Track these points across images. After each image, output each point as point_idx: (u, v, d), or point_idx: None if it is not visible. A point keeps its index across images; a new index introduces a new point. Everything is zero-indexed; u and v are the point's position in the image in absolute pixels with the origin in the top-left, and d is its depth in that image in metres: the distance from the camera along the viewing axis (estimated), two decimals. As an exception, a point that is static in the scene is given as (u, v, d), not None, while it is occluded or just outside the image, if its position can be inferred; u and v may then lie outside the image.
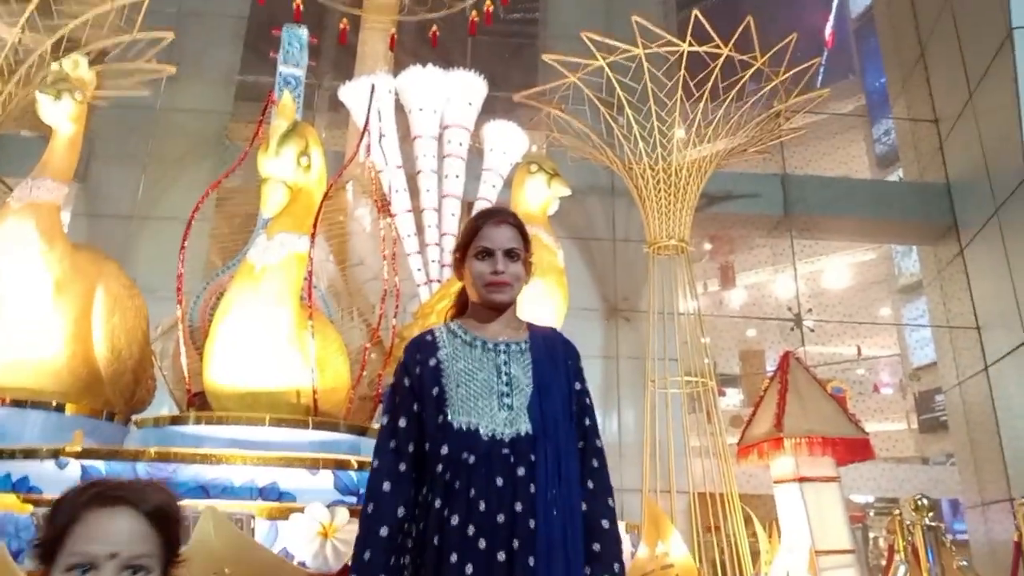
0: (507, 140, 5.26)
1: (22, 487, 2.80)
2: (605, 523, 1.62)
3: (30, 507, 2.46)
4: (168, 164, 7.90)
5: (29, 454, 2.92)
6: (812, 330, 10.90)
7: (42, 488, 2.80)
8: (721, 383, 11.06)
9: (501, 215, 1.79)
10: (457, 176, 5.13)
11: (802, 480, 5.78)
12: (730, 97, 6.90)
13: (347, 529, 2.67)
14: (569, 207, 6.40)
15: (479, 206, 5.20)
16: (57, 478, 2.84)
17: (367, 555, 1.54)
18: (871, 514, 13.01)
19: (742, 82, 6.86)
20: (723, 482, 6.29)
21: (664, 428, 6.50)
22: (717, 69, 6.69)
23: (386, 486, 1.59)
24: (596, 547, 1.59)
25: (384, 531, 1.55)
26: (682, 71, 6.73)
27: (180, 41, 6.04)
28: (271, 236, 3.53)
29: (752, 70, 6.82)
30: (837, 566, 5.45)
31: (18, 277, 3.61)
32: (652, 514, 2.68)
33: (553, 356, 1.73)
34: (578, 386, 1.73)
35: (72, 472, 2.86)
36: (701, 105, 6.84)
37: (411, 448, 1.63)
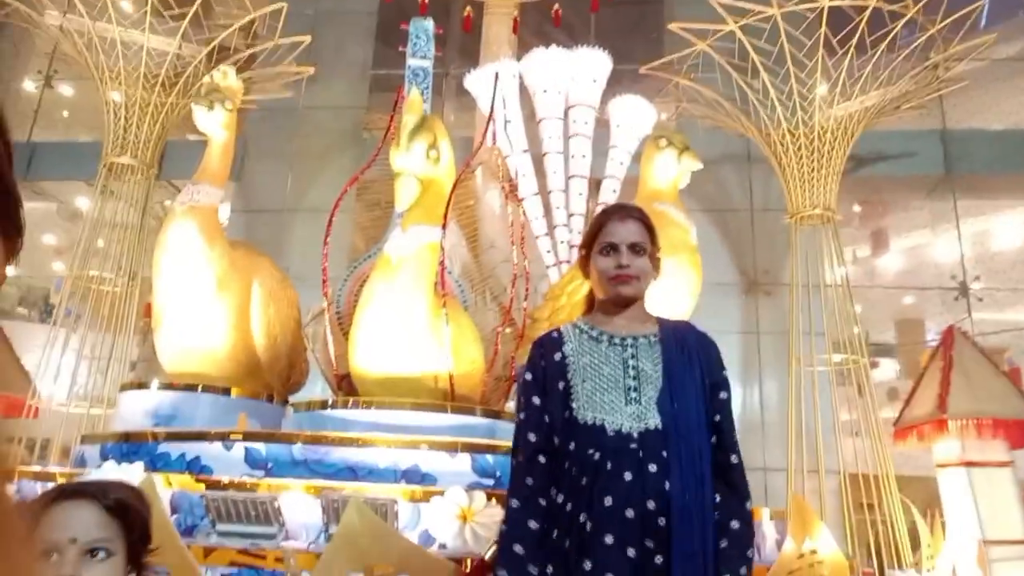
0: (634, 115, 5.14)
1: (195, 467, 3.10)
2: (735, 524, 1.56)
3: (202, 486, 2.72)
4: (312, 159, 8.38)
5: (200, 437, 3.22)
6: (980, 299, 9.94)
7: (213, 468, 3.09)
8: (874, 353, 10.36)
9: (626, 211, 1.76)
10: (584, 156, 5.07)
11: (969, 465, 5.33)
12: (879, 50, 6.35)
13: (485, 513, 2.76)
14: (703, 178, 6.17)
15: (607, 185, 5.13)
16: (225, 458, 3.13)
17: (517, 548, 1.55)
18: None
19: (892, 33, 6.29)
20: (877, 463, 5.90)
21: (810, 406, 6.18)
22: (863, 22, 6.17)
23: (529, 480, 1.62)
24: (723, 544, 1.54)
25: (533, 524, 1.57)
26: (823, 27, 6.26)
27: (316, 42, 6.35)
28: (405, 228, 3.66)
29: (904, 20, 6.24)
30: (1010, 557, 5.01)
31: (184, 275, 3.98)
32: (799, 508, 2.57)
33: (685, 349, 1.67)
34: (714, 380, 1.66)
35: (237, 453, 3.13)
36: (846, 61, 6.34)
37: (546, 442, 1.64)
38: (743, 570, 1.54)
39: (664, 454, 1.53)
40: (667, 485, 1.51)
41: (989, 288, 10.56)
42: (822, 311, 6.38)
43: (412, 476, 3.06)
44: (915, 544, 5.25)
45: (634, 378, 1.62)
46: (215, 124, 4.21)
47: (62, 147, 9.25)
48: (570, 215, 4.99)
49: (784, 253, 7.42)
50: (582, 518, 1.52)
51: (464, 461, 3.13)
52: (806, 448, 6.07)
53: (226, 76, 4.37)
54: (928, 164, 8.51)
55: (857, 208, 12.67)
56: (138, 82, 6.20)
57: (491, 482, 3.05)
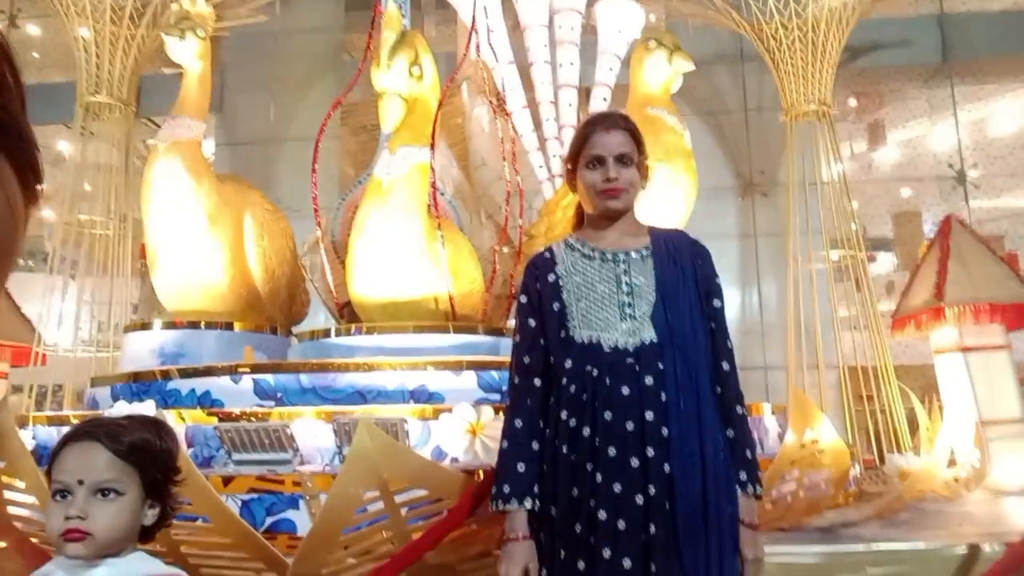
0: (621, 17, 4.97)
1: (206, 401, 3.15)
2: (731, 432, 1.61)
3: (214, 419, 2.77)
4: (293, 86, 8.15)
5: (209, 371, 3.26)
6: (977, 186, 9.88)
7: (223, 401, 3.14)
8: (872, 247, 10.37)
9: (610, 119, 1.71)
10: (571, 64, 4.93)
11: (966, 350, 5.42)
12: (873, -69, 6.08)
13: (493, 426, 2.82)
14: (694, 80, 6.02)
15: (597, 93, 5.01)
16: (234, 391, 3.18)
17: (520, 467, 1.60)
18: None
19: (887, -89, 6.01)
20: (876, 355, 6.01)
21: (809, 303, 6.23)
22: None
23: (528, 401, 1.65)
24: (730, 432, 1.60)
25: (535, 445, 1.62)
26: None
27: (287, -40, 6.07)
28: (393, 151, 3.59)
29: None
30: (1006, 436, 5.16)
31: (174, 213, 3.93)
32: (798, 401, 2.62)
33: (678, 260, 1.67)
34: (707, 288, 1.68)
35: (245, 385, 3.17)
36: (838, -54, 6.09)
37: (541, 364, 1.67)
38: (748, 452, 1.59)
39: (660, 366, 1.55)
40: (663, 396, 1.53)
41: (987, 175, 10.49)
42: (819, 209, 6.35)
43: (420, 396, 3.11)
44: (913, 430, 5.40)
45: (628, 293, 1.63)
46: (189, 54, 4.07)
47: (37, 90, 8.98)
48: (561, 127, 4.90)
49: (780, 153, 7.33)
50: (585, 432, 1.55)
51: (470, 379, 3.17)
52: (805, 345, 6.17)
53: (195, 2, 4.19)
54: (925, 51, 8.29)
55: (853, 102, 12.41)
56: (105, 15, 5.96)
57: (497, 397, 3.11)
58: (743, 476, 1.58)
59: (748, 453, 1.60)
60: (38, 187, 0.27)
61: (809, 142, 6.50)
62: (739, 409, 1.63)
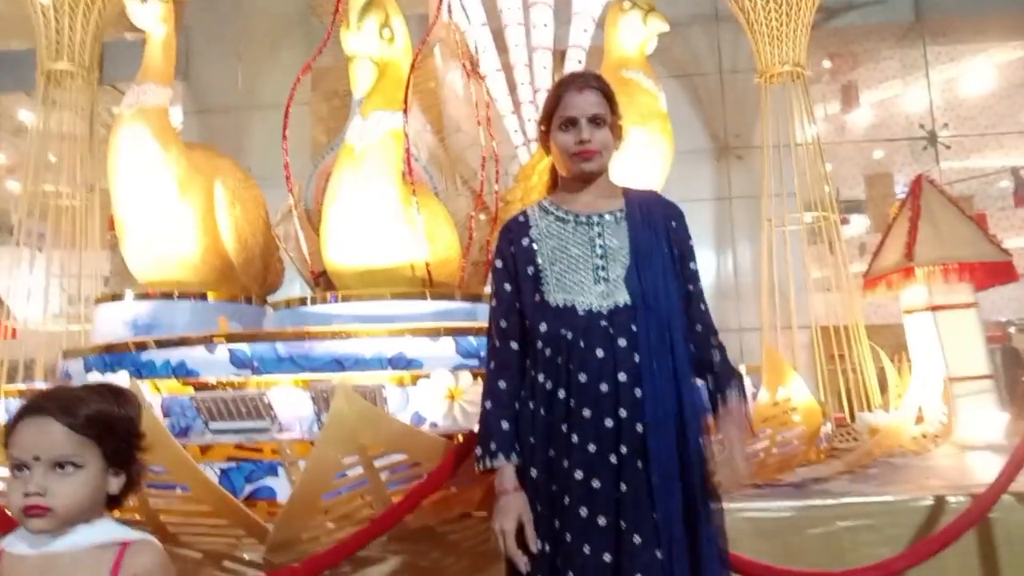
0: (595, -22, 4.90)
1: (181, 371, 3.13)
2: (716, 357, 1.65)
3: (190, 389, 2.75)
4: (261, 51, 7.95)
5: (183, 342, 3.23)
6: (948, 147, 9.98)
7: (199, 371, 3.12)
8: (844, 210, 10.47)
9: (583, 80, 1.70)
10: (545, 25, 4.87)
11: (935, 309, 5.53)
12: None
13: (472, 391, 2.83)
14: (670, 42, 5.98)
15: (571, 55, 4.96)
16: (209, 361, 3.15)
17: (504, 425, 1.62)
18: (1012, 332, 12.37)
19: None
20: (847, 314, 6.11)
21: (783, 265, 6.30)
22: None
23: (505, 364, 1.67)
24: (709, 379, 1.65)
25: (517, 405, 1.63)
26: None
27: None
28: (366, 116, 3.54)
29: None
30: (973, 392, 5.29)
31: (143, 182, 3.85)
32: (772, 360, 2.66)
33: (651, 222, 1.68)
34: (682, 251, 1.69)
35: (221, 355, 3.15)
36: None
37: (518, 328, 1.68)
38: (734, 382, 1.64)
39: (634, 328, 1.57)
40: (636, 358, 1.55)
41: (957, 136, 10.59)
42: (793, 171, 6.39)
43: (398, 363, 3.11)
44: (883, 388, 5.52)
45: (601, 256, 1.64)
46: (151, 17, 3.95)
47: (-4, 57, 8.70)
48: (535, 91, 4.85)
49: (755, 115, 7.33)
50: (561, 394, 1.57)
51: (448, 345, 3.18)
52: (779, 306, 6.25)
53: (156, -37, 4.05)
54: (898, 11, 8.30)
55: (827, 63, 12.43)
56: (63, -22, 5.77)
57: (475, 362, 3.12)
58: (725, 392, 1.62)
59: (733, 383, 1.63)
60: None
61: (783, 104, 6.51)
62: (716, 354, 1.66)
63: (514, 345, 1.68)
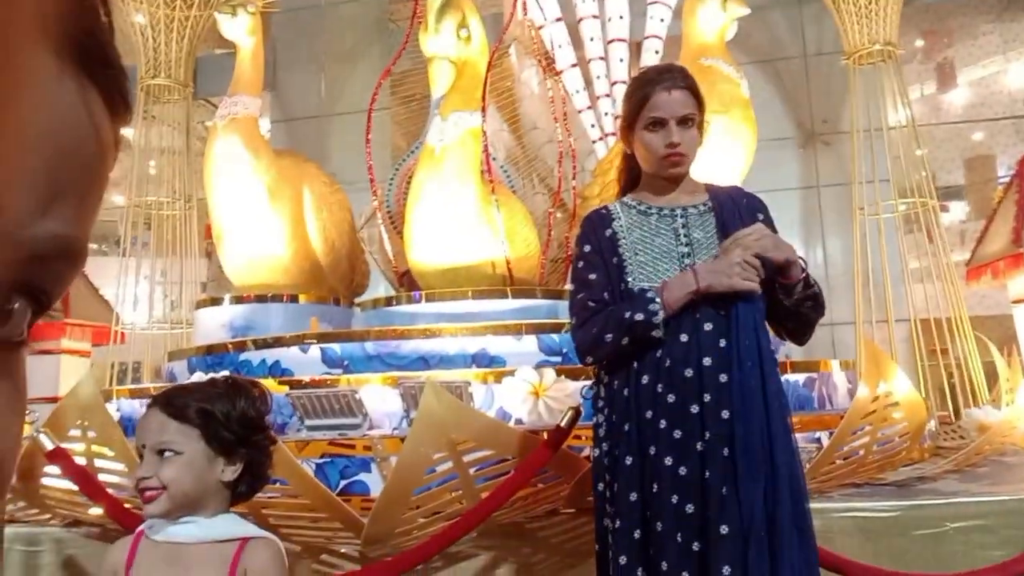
0: (671, -34, 4.81)
1: (276, 371, 3.25)
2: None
3: (285, 388, 2.85)
4: (342, 59, 8.18)
5: (278, 342, 3.36)
6: (1057, 124, 9.32)
7: (292, 370, 3.23)
8: (943, 197, 9.92)
9: (671, 77, 1.66)
10: (621, 17, 4.81)
11: (1048, 297, 5.18)
12: None
13: (556, 387, 2.83)
14: (750, 27, 5.80)
15: (648, 46, 4.88)
16: (303, 360, 3.26)
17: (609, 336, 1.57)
18: None
19: None
20: (949, 306, 5.77)
21: (877, 256, 6.01)
22: None
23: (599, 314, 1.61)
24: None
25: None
26: None
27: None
28: (445, 116, 3.59)
29: None
30: (1093, 385, 4.91)
31: (236, 189, 4.02)
32: (871, 353, 2.54)
33: (737, 213, 1.66)
34: None
35: (313, 354, 3.26)
36: None
37: (607, 296, 1.63)
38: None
39: (721, 313, 1.55)
40: (723, 343, 1.52)
41: (1067, 111, 9.88)
42: (886, 156, 6.09)
43: (481, 360, 3.14)
44: (992, 382, 5.19)
45: (687, 245, 1.63)
46: (241, 31, 4.12)
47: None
48: (612, 84, 4.80)
49: (842, 99, 7.03)
50: (645, 379, 1.56)
51: (530, 342, 3.19)
52: (874, 298, 5.97)
53: (243, -21, 4.23)
54: (998, -19, 7.80)
55: (920, 41, 11.80)
56: (158, -1, 6.09)
57: (559, 359, 3.12)
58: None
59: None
60: (126, 114, 0.27)
61: (874, 86, 6.22)
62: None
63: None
